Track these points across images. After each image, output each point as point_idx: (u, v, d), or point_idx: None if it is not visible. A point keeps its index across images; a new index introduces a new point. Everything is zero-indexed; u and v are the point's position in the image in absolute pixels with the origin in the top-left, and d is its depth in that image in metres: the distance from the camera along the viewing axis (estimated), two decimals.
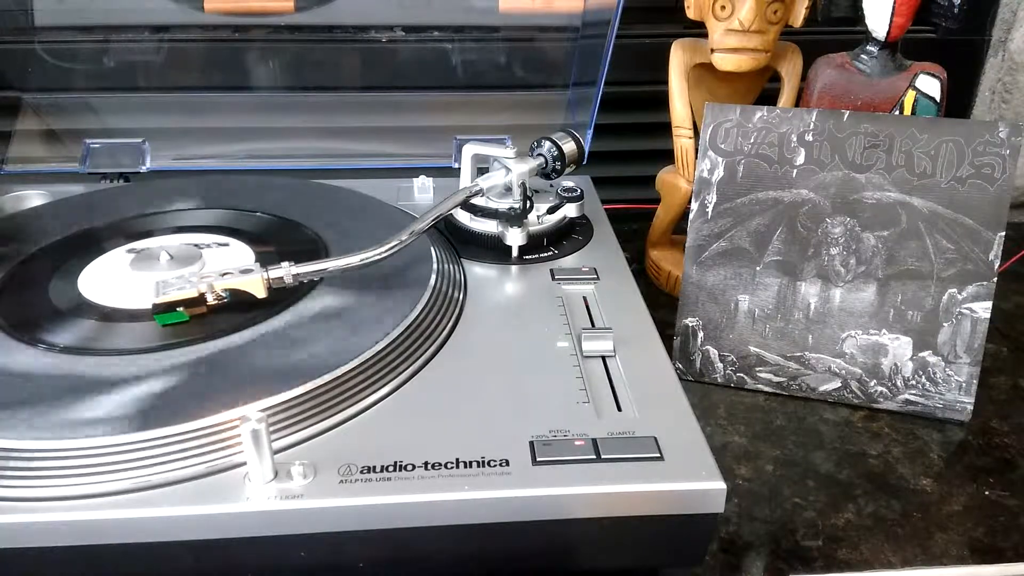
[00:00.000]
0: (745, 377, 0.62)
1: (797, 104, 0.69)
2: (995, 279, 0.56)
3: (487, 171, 0.61)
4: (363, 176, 0.74)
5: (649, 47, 0.83)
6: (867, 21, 0.63)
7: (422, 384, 0.46)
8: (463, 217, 0.61)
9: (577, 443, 0.42)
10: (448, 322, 0.51)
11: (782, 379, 0.62)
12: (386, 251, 0.52)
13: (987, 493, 0.54)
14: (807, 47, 0.69)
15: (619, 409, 0.44)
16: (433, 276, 0.53)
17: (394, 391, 0.45)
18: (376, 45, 0.80)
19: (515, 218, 0.59)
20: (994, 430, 0.59)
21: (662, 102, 0.72)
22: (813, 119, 0.58)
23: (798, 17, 0.66)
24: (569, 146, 0.62)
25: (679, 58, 0.70)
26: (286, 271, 0.50)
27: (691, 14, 0.68)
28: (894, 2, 0.61)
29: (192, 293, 0.49)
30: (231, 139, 0.78)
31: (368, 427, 0.43)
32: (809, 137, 0.58)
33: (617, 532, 0.41)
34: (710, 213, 0.61)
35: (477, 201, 0.60)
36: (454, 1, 0.81)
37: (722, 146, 0.60)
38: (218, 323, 0.49)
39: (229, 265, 0.52)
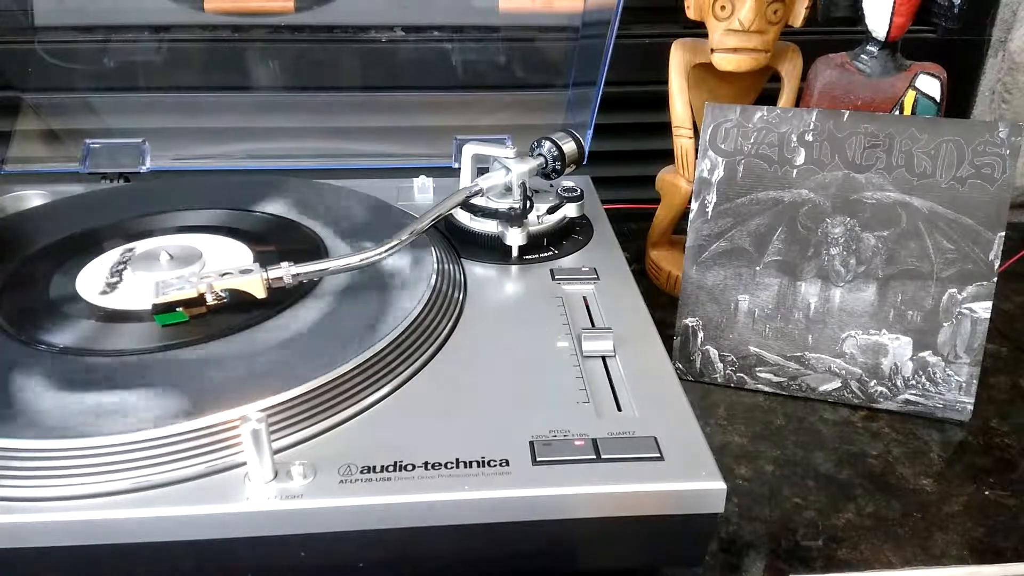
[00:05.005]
0: (745, 377, 0.62)
1: (797, 104, 0.69)
2: (995, 279, 0.56)
3: (487, 171, 0.61)
4: (363, 176, 0.74)
5: (649, 47, 0.83)
6: (867, 21, 0.63)
7: (422, 384, 0.46)
8: (463, 217, 0.61)
9: (577, 443, 0.42)
10: (448, 322, 0.51)
11: (782, 379, 0.62)
12: (386, 251, 0.52)
13: (987, 493, 0.54)
14: (807, 47, 0.69)
15: (619, 409, 0.44)
16: (433, 276, 0.53)
17: (394, 391, 0.45)
18: (376, 45, 0.80)
19: (515, 218, 0.59)
20: (994, 430, 0.59)
21: (662, 102, 0.72)
22: (813, 119, 0.58)
23: (798, 17, 0.66)
24: (569, 146, 0.62)
25: (679, 58, 0.70)
26: (285, 271, 0.50)
27: (691, 14, 0.68)
28: (894, 2, 0.61)
29: (192, 293, 0.49)
30: (231, 139, 0.78)
31: (368, 427, 0.43)
32: (809, 137, 0.58)
33: (617, 532, 0.41)
34: (710, 213, 0.61)
35: (477, 201, 0.60)
36: (454, 1, 0.81)
37: (722, 146, 0.60)
38: (218, 323, 0.49)
39: (229, 265, 0.52)
